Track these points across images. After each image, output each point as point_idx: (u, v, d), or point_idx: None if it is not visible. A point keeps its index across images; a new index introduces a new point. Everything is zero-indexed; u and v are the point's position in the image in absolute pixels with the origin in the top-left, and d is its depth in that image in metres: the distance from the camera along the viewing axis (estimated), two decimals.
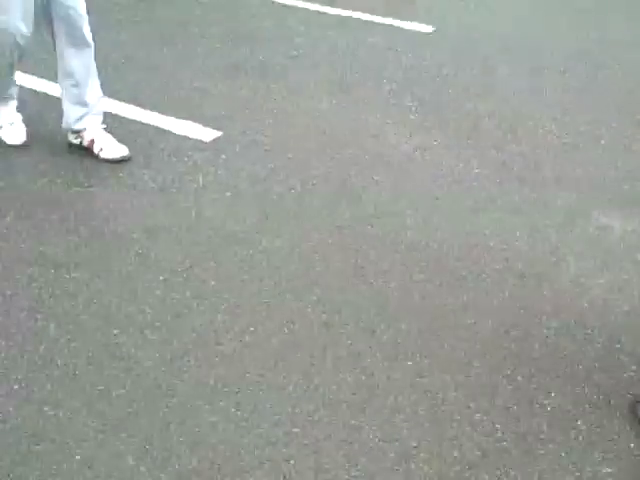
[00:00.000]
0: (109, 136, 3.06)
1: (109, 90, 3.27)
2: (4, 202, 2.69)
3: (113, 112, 3.33)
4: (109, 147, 3.03)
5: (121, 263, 2.38)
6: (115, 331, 2.08)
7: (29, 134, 3.12)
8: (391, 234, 2.58)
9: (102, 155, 3.02)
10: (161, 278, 2.31)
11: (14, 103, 3.15)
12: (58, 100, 3.07)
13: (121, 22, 4.58)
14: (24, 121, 3.15)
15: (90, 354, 1.99)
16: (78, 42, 2.89)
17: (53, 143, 3.11)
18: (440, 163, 3.09)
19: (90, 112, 3.03)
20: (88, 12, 2.89)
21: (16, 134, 3.11)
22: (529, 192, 2.90)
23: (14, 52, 2.83)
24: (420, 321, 2.16)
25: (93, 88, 3.02)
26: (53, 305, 2.18)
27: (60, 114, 3.05)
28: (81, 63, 2.94)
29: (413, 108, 3.60)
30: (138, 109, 3.43)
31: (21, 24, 2.75)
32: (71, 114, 3.02)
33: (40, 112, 3.35)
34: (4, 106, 3.12)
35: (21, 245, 2.45)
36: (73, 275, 2.31)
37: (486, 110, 3.60)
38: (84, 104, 3.01)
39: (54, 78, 3.06)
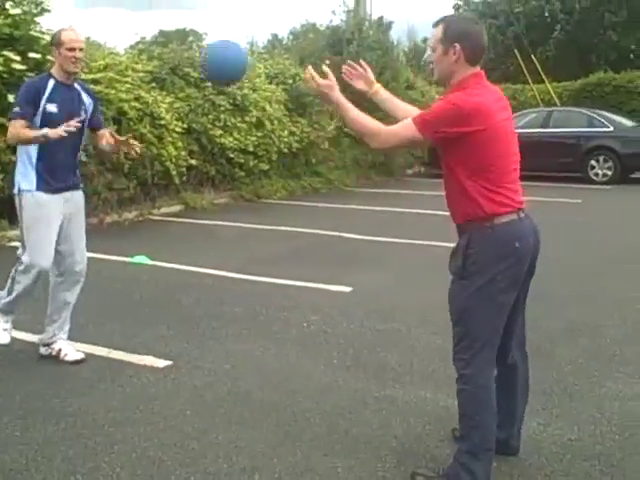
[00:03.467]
0: (70, 346, 4.26)
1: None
2: None
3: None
4: (71, 353, 4.22)
5: None
6: None
7: None
8: None
9: (66, 358, 4.19)
10: None
11: (12, 316, 4.29)
12: None
13: None
14: None
15: None
16: (77, 280, 4.19)
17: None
18: None
19: (62, 330, 4.27)
20: None
21: (6, 337, 4.25)
22: None
23: (38, 282, 4.09)
24: None
25: (69, 315, 4.30)
26: None
27: None
28: (72, 297, 4.21)
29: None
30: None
31: (48, 264, 4.02)
32: (49, 333, 4.25)
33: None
34: (7, 315, 4.25)
35: None
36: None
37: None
38: (61, 325, 4.25)
39: None
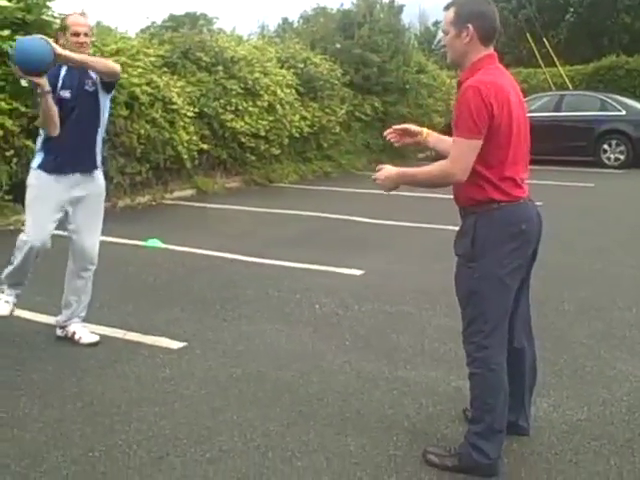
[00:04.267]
0: (84, 328, 4.33)
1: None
2: None
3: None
4: (85, 336, 4.28)
5: None
6: None
7: None
8: None
9: (81, 341, 4.25)
10: None
11: (18, 290, 4.24)
12: None
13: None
14: None
15: None
16: (84, 267, 4.21)
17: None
18: None
19: (77, 314, 4.31)
20: None
21: (5, 308, 4.22)
22: None
23: (36, 257, 4.06)
24: None
25: (87, 299, 4.34)
26: None
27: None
28: (84, 283, 4.26)
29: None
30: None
31: (40, 243, 4.00)
32: (64, 316, 4.31)
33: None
34: (13, 288, 4.22)
35: None
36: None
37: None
38: (77, 310, 4.30)
39: None
